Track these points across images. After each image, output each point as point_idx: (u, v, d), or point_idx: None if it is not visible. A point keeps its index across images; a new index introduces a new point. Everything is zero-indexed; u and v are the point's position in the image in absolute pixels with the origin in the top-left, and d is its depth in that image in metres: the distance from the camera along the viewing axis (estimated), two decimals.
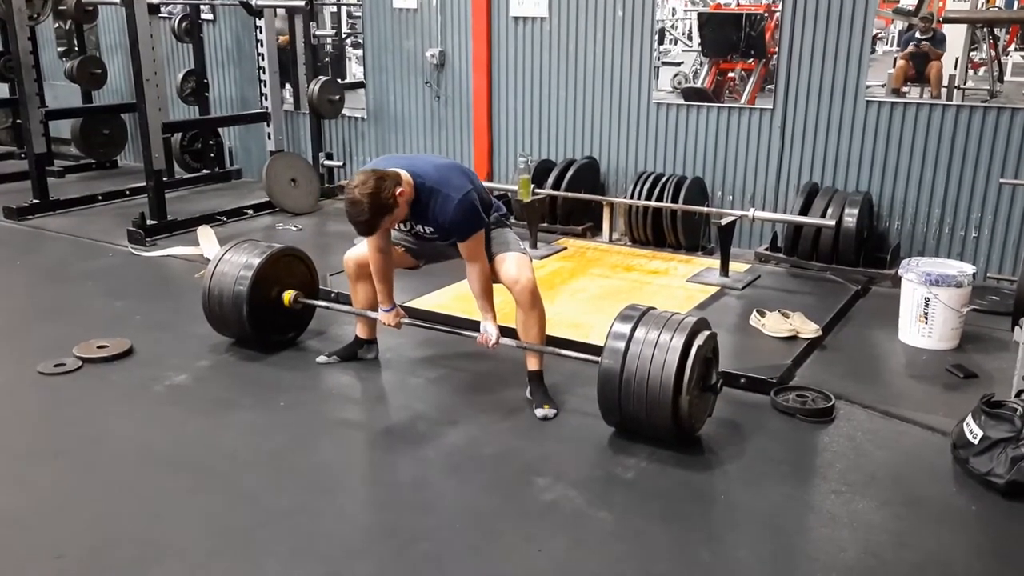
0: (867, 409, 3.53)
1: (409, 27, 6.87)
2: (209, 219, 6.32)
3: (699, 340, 3.05)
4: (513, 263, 3.48)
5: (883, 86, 5.23)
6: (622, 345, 3.08)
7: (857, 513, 2.81)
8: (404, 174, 3.24)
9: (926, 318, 4.12)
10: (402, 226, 3.45)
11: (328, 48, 9.28)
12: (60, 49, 9.17)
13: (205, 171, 7.96)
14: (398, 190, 3.17)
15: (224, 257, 3.98)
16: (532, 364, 3.56)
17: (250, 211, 6.69)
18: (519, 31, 6.38)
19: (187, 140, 7.92)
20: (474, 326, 3.64)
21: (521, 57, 6.43)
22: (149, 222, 5.98)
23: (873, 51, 5.20)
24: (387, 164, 3.29)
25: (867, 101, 5.27)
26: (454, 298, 4.59)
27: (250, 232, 6.21)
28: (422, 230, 3.43)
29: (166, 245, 5.85)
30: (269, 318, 3.98)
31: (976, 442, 2.99)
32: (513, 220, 5.78)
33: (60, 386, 3.69)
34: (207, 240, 5.68)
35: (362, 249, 3.76)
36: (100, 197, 7.11)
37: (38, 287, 5.16)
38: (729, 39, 5.63)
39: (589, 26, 6.10)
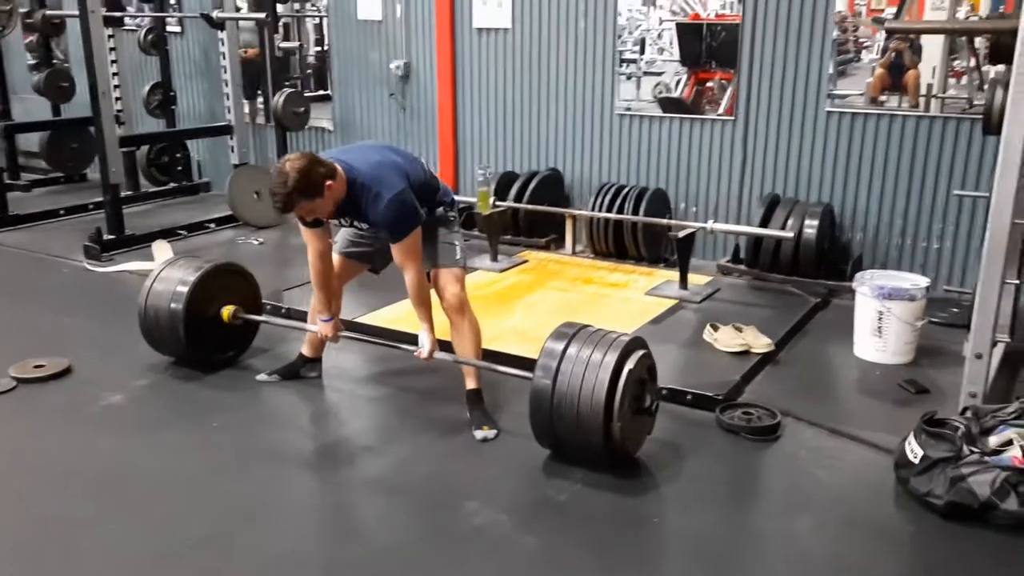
0: (814, 426, 3.45)
1: (374, 39, 6.82)
2: (169, 233, 6.24)
3: (631, 362, 2.97)
4: (444, 278, 3.43)
5: (862, 95, 5.15)
6: (554, 364, 3.00)
7: (792, 535, 2.75)
8: (340, 169, 3.17)
9: (880, 332, 4.05)
10: (343, 221, 3.39)
11: (311, 59, 9.26)
12: (30, 62, 9.09)
13: (172, 184, 7.87)
14: (328, 182, 3.10)
15: (160, 275, 3.91)
16: (469, 383, 3.48)
17: (212, 225, 6.61)
18: (482, 42, 6.32)
19: (154, 153, 7.84)
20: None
21: (485, 69, 6.37)
22: (106, 237, 5.89)
23: (858, 60, 5.12)
24: (326, 155, 3.22)
25: (827, 112, 5.21)
26: (408, 313, 4.49)
27: (210, 246, 6.14)
28: (361, 225, 3.38)
29: (123, 260, 5.76)
30: (208, 336, 3.90)
31: (916, 461, 2.91)
32: (476, 231, 5.80)
33: None
34: (163, 254, 5.57)
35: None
36: (62, 212, 7.02)
37: None
38: (706, 49, 5.56)
39: (552, 37, 6.04)
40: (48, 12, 7.82)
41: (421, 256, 3.34)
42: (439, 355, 3.41)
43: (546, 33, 6.06)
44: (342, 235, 3.63)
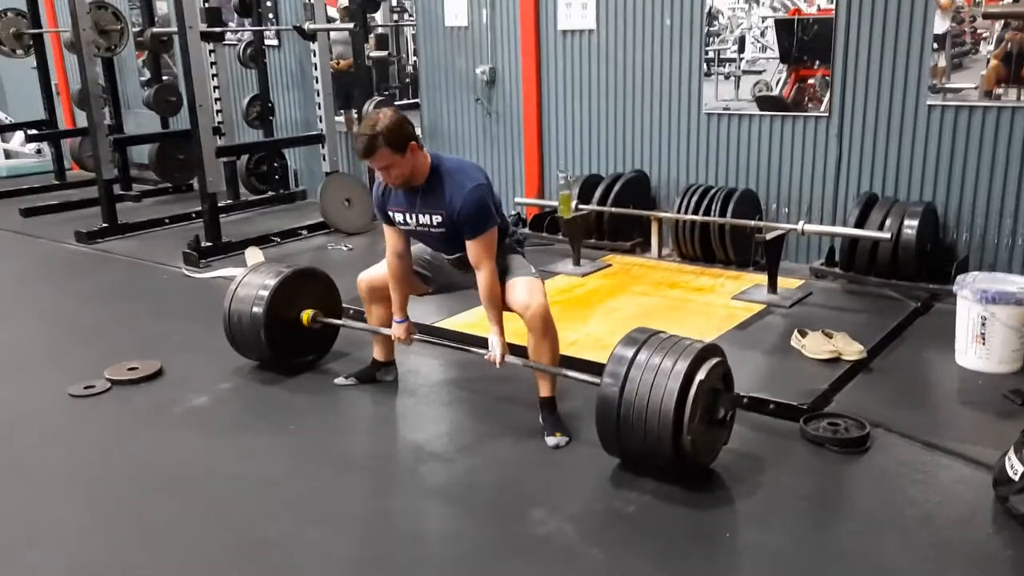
0: (907, 439, 3.25)
1: (460, 45, 6.85)
2: (263, 240, 6.43)
3: (702, 372, 2.84)
4: (524, 288, 3.35)
5: (976, 88, 4.80)
6: (622, 370, 2.91)
7: (876, 556, 2.57)
8: (425, 151, 3.24)
9: (983, 339, 3.78)
10: (409, 219, 3.34)
11: (409, 68, 9.41)
12: (142, 79, 9.57)
13: (270, 193, 8.12)
14: (413, 143, 3.13)
15: (244, 280, 4.01)
16: (544, 390, 3.42)
17: (304, 231, 6.78)
18: (567, 44, 6.27)
19: (253, 163, 8.10)
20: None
21: (570, 71, 6.31)
22: (204, 244, 6.11)
23: (975, 52, 4.78)
24: None
25: (929, 106, 4.92)
26: (483, 318, 4.48)
27: (301, 252, 6.30)
28: (429, 221, 3.30)
29: (220, 266, 5.97)
30: (289, 339, 3.98)
31: (1017, 478, 2.70)
32: (560, 236, 5.75)
33: (85, 408, 3.76)
34: (255, 260, 5.75)
35: (376, 271, 3.73)
36: (167, 220, 7.33)
37: (88, 309, 5.32)
38: (798, 44, 5.33)
39: (637, 37, 5.93)
40: (156, 30, 8.19)
41: (496, 255, 3.31)
42: (510, 359, 3.37)
43: (631, 33, 5.95)
44: (413, 254, 3.63)
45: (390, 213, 3.40)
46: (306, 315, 3.96)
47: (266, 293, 3.87)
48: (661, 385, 2.82)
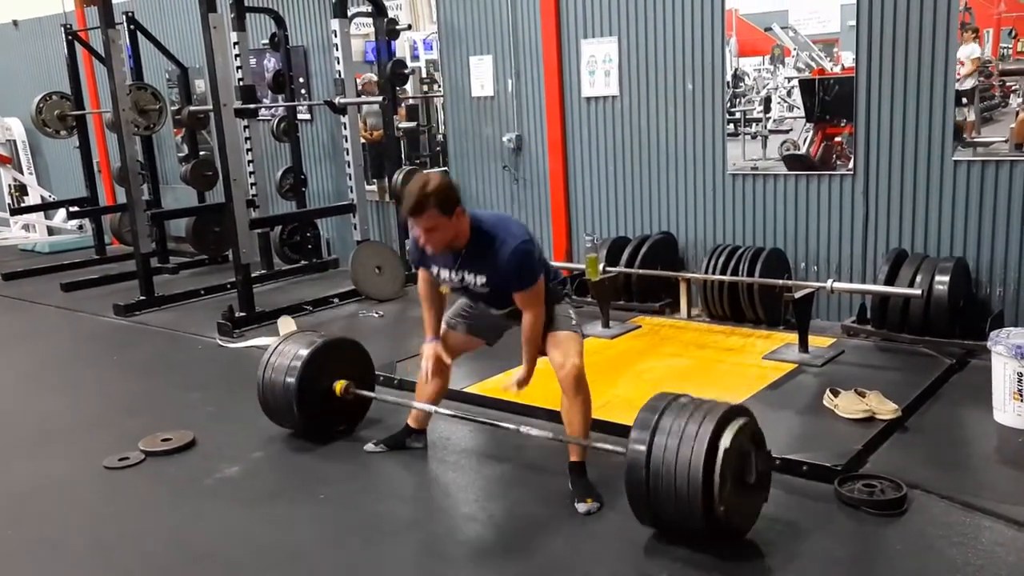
0: (945, 500, 3.18)
1: (487, 114, 7.01)
2: (296, 309, 6.53)
3: (726, 437, 2.79)
4: (561, 345, 3.36)
5: (1007, 141, 4.78)
6: (646, 438, 2.88)
7: None
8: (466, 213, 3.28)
9: (1021, 395, 3.71)
10: (453, 275, 3.37)
11: (439, 137, 9.62)
12: (180, 155, 9.86)
13: (303, 262, 8.26)
14: (459, 208, 3.17)
15: (278, 348, 4.06)
16: (573, 455, 3.41)
17: (336, 299, 6.87)
18: (592, 111, 6.38)
19: (286, 233, 8.26)
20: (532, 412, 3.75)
21: (594, 136, 6.41)
22: (237, 314, 6.21)
23: (1005, 105, 4.76)
24: None
25: (955, 161, 4.92)
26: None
27: (333, 320, 6.38)
28: (473, 281, 3.34)
29: (253, 336, 6.05)
30: (321, 409, 4.00)
31: None
32: (588, 298, 5.77)
33: (119, 480, 3.81)
34: (287, 329, 5.84)
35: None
36: (203, 291, 7.46)
37: (126, 380, 5.41)
38: (820, 103, 5.38)
39: (660, 102, 6.02)
40: (193, 108, 8.47)
41: (544, 303, 3.35)
42: (537, 434, 3.34)
43: (654, 98, 6.05)
44: (454, 309, 3.69)
45: (433, 268, 3.45)
46: (339, 385, 3.99)
47: (299, 364, 3.92)
48: (687, 454, 2.78)
